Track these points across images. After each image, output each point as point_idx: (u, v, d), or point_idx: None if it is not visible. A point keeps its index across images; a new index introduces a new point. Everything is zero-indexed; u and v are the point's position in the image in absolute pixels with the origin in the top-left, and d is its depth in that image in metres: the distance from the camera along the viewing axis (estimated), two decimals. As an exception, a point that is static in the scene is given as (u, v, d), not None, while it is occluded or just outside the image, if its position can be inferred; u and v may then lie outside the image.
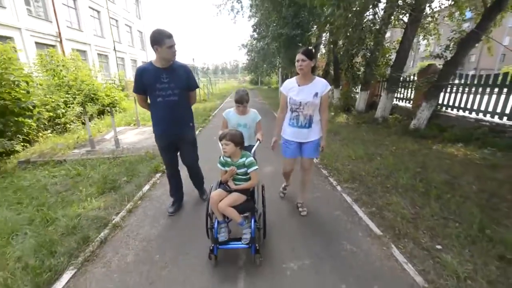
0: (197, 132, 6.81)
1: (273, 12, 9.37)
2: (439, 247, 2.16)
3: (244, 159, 2.01)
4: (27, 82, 4.80)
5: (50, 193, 3.18)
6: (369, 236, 2.35)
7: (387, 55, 8.14)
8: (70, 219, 2.51)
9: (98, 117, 8.43)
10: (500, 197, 2.92)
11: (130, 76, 21.69)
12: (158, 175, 3.80)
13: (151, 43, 2.18)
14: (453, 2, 7.54)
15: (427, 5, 7.12)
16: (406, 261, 2.01)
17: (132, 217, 2.68)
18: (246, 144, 2.33)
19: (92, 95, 7.99)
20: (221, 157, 2.10)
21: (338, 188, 3.32)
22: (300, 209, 2.75)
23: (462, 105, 6.54)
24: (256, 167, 2.03)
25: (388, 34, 10.37)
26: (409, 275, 1.89)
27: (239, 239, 1.97)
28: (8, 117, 4.43)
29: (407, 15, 6.95)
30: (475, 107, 6.20)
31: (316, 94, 2.31)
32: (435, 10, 7.82)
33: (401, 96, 9.09)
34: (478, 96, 6.05)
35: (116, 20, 21.15)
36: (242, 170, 2.03)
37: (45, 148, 5.14)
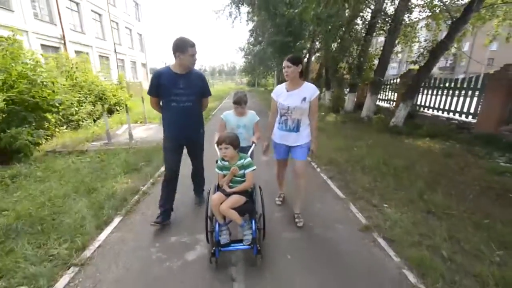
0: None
1: (268, 20, 10.32)
2: (385, 205, 3.00)
3: (242, 160, 2.07)
4: (52, 83, 5.56)
5: (83, 174, 3.94)
6: (335, 198, 3.21)
7: (371, 61, 9.04)
8: (108, 189, 3.30)
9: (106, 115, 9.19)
10: (442, 175, 3.78)
11: (130, 77, 22.48)
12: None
13: (174, 50, 2.26)
14: (430, 14, 8.52)
15: (407, 15, 8.07)
16: (358, 211, 2.86)
17: (156, 187, 3.46)
18: (244, 145, 2.40)
19: (101, 95, 8.75)
20: (219, 161, 2.15)
21: (318, 169, 4.17)
22: (296, 219, 2.66)
23: (436, 105, 7.47)
24: (254, 167, 2.09)
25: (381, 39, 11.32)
26: (358, 219, 2.73)
27: (240, 241, 2.01)
28: (38, 113, 5.19)
29: (388, 25, 7.88)
30: (447, 107, 7.12)
31: (304, 99, 2.38)
32: (414, 20, 8.76)
33: (385, 97, 10.06)
34: (449, 98, 6.98)
35: (117, 23, 21.92)
36: (240, 172, 2.08)
37: (64, 141, 5.90)
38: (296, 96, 2.42)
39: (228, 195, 2.03)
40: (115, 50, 20.98)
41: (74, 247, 2.22)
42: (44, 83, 5.34)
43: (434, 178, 3.68)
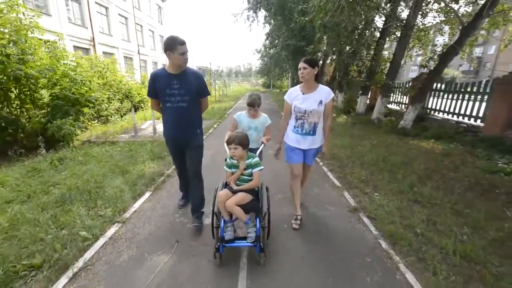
0: (215, 125, 8.24)
1: (283, 25, 10.85)
2: (376, 194, 3.41)
3: (250, 160, 2.14)
4: (90, 81, 6.38)
5: (116, 159, 4.63)
6: (332, 186, 3.67)
7: (383, 64, 9.30)
8: (138, 171, 3.94)
9: (130, 112, 10.08)
10: (436, 172, 4.11)
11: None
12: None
13: (164, 49, 2.26)
14: (443, 19, 8.67)
15: (420, 20, 8.29)
16: (350, 197, 3.30)
17: (177, 172, 4.07)
18: (253, 146, 2.46)
19: (128, 93, 9.63)
20: (228, 160, 2.24)
21: (320, 163, 4.61)
22: (293, 221, 2.71)
23: (447, 109, 7.65)
24: (262, 167, 2.16)
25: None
26: (349, 203, 3.18)
27: (244, 238, 2.10)
28: (77, 107, 6.01)
29: (399, 30, 8.14)
30: (457, 111, 7.30)
31: (320, 102, 2.41)
32: (428, 25, 8.94)
33: (397, 100, 10.25)
34: (459, 102, 7.15)
35: (141, 26, 23.26)
36: (248, 171, 2.16)
37: (97, 133, 6.71)
38: (312, 99, 2.43)
39: (234, 192, 2.10)
40: (138, 52, 22.29)
41: (116, 210, 2.85)
42: (83, 81, 6.15)
43: (427, 174, 4.02)
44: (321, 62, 15.03)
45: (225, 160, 2.29)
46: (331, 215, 2.94)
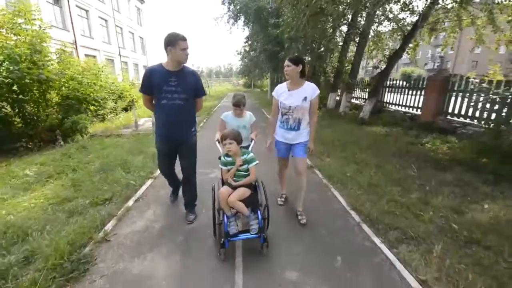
0: (204, 120, 9.56)
1: (260, 32, 12.40)
2: (328, 159, 4.93)
3: (245, 156, 2.26)
4: (94, 83, 7.48)
5: (128, 146, 5.83)
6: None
7: (347, 66, 11.07)
8: (152, 151, 5.20)
9: (122, 111, 11.11)
10: (374, 145, 5.75)
11: (132, 78, 24.41)
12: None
13: (165, 44, 2.28)
14: (396, 27, 10.58)
15: (375, 28, 10.11)
16: (309, 161, 4.79)
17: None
18: (244, 144, 2.58)
19: (120, 94, 10.68)
20: (223, 157, 2.33)
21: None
22: (299, 217, 2.87)
23: (397, 102, 9.50)
24: (257, 161, 2.28)
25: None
26: (308, 164, 4.68)
27: (247, 231, 2.19)
28: (85, 106, 7.11)
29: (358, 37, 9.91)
30: (405, 103, 9.15)
31: (305, 99, 2.52)
32: (381, 32, 10.82)
33: (360, 96, 12.12)
34: (407, 96, 9.00)
35: (121, 28, 23.90)
36: (244, 167, 2.26)
37: (101, 129, 7.80)
38: (297, 95, 2.55)
39: (234, 188, 2.21)
40: (119, 53, 22.91)
41: (147, 172, 4.15)
42: (89, 83, 7.26)
43: (367, 147, 5.64)
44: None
45: (219, 158, 2.41)
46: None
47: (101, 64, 9.65)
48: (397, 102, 9.54)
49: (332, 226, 2.85)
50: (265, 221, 2.29)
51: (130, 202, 3.25)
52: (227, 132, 2.27)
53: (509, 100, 4.54)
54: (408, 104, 8.97)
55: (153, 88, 2.42)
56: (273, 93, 2.79)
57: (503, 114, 4.55)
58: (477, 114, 5.94)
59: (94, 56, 19.32)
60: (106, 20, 21.60)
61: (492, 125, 4.86)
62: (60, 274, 2.00)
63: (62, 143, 6.21)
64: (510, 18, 7.54)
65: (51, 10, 15.87)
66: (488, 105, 5.14)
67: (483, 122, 5.71)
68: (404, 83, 9.26)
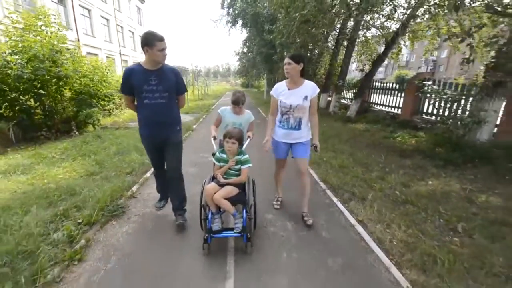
0: (204, 116, 10.46)
1: (257, 35, 13.37)
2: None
3: (240, 156, 2.29)
4: (104, 80, 8.34)
5: (136, 137, 6.69)
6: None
7: (337, 68, 12.05)
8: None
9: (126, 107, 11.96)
10: (354, 139, 6.69)
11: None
12: (189, 132, 7.41)
13: (142, 44, 2.25)
14: (383, 32, 11.57)
15: (362, 34, 11.09)
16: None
17: (185, 140, 6.27)
18: None
19: (124, 91, 11.53)
20: (217, 153, 2.36)
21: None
22: (305, 218, 2.86)
23: (382, 102, 10.47)
24: (250, 164, 2.31)
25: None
26: (293, 152, 5.59)
27: (232, 229, 2.23)
28: (96, 100, 7.97)
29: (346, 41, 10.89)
30: (388, 103, 10.12)
31: (305, 97, 2.50)
32: (368, 37, 11.81)
33: (348, 97, 13.10)
34: (390, 97, 9.98)
35: (122, 27, 24.72)
36: (237, 167, 2.28)
37: (109, 122, 8.65)
38: (297, 94, 2.53)
39: (222, 185, 2.22)
40: (120, 52, 23.72)
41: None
42: (99, 80, 8.12)
43: (347, 140, 6.58)
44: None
45: (213, 154, 2.47)
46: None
47: (106, 62, 10.48)
48: (382, 103, 10.53)
49: (304, 192, 3.75)
50: (251, 221, 2.28)
51: (148, 174, 4.15)
52: (234, 131, 2.30)
53: (450, 99, 5.65)
54: (391, 104, 9.96)
55: (134, 88, 2.39)
56: (271, 92, 2.77)
57: (451, 111, 5.59)
58: (435, 112, 7.11)
59: (96, 54, 20.10)
60: (107, 19, 22.40)
61: (444, 121, 5.86)
62: (106, 212, 2.89)
63: (77, 133, 7.05)
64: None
65: (56, 10, 16.63)
66: (437, 104, 6.39)
67: (439, 118, 6.74)
68: (390, 85, 10.23)
